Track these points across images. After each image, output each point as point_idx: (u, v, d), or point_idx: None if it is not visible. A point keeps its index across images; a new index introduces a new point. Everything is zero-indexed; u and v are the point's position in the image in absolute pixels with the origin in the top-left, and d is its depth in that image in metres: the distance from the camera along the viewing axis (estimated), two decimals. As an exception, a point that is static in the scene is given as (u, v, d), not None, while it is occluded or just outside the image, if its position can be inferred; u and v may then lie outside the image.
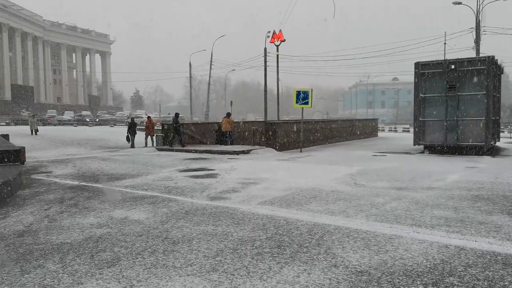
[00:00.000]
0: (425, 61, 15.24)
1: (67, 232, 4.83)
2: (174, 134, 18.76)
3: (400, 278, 3.30)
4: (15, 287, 3.25)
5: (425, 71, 15.05)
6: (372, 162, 12.52)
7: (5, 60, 71.30)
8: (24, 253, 4.07)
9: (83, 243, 4.37)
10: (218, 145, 19.10)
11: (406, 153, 15.56)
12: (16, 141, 16.67)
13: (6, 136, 17.62)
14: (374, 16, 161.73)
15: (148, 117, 23.49)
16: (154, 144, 21.80)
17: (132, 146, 20.69)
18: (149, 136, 22.03)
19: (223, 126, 18.92)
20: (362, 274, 3.39)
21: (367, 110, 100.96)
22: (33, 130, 27.91)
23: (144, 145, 21.29)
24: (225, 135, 18.95)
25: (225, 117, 19.27)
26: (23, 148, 11.62)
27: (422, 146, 15.64)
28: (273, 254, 3.93)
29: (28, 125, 29.93)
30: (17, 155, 9.66)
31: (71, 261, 3.83)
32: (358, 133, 27.01)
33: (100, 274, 3.49)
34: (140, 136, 22.25)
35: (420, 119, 15.19)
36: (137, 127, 22.84)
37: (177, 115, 19.57)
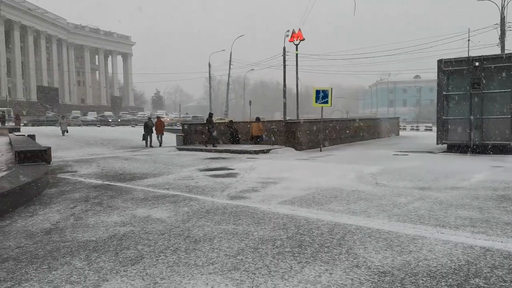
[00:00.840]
0: (448, 58, 14.94)
1: (92, 230, 4.94)
2: (209, 133, 18.67)
3: (424, 279, 3.26)
4: (43, 283, 3.34)
5: (448, 69, 14.75)
6: (393, 161, 12.36)
7: (31, 62, 73.28)
8: (51, 250, 4.18)
9: (107, 241, 4.46)
10: (232, 144, 19.10)
11: (429, 152, 15.29)
12: (42, 142, 17.11)
13: (32, 137, 18.12)
14: (395, 13, 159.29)
15: (158, 117, 23.92)
16: (161, 144, 22.01)
17: (148, 145, 21.04)
18: (159, 136, 22.32)
19: (254, 130, 18.80)
20: (385, 275, 3.35)
21: (388, 109, 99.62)
22: (63, 131, 28.64)
23: (159, 145, 21.60)
24: (257, 138, 18.82)
25: (255, 122, 19.17)
26: (49, 148, 11.91)
27: (445, 145, 15.35)
28: (294, 253, 3.93)
29: (52, 126, 30.71)
30: (44, 155, 9.91)
31: (96, 258, 3.91)
32: (379, 132, 26.68)
33: (124, 271, 3.56)
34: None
35: (443, 117, 14.90)
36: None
37: (211, 115, 19.53)
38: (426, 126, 45.40)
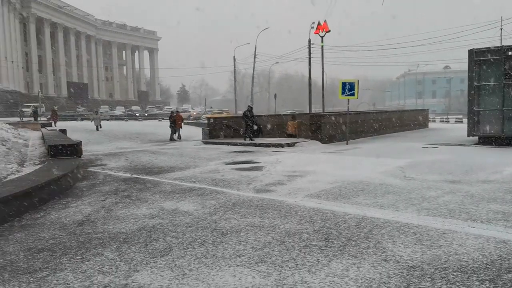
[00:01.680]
0: (480, 48, 14.46)
1: (122, 222, 5.07)
2: (248, 126, 18.42)
3: (455, 274, 3.19)
4: (77, 273, 3.46)
5: (480, 59, 14.28)
6: (422, 154, 12.10)
7: (61, 59, 75.34)
8: (84, 242, 4.32)
9: (137, 233, 4.57)
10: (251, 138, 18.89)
11: (460, 144, 14.89)
12: (73, 136, 17.60)
13: (64, 131, 18.68)
14: (423, 2, 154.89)
15: (177, 112, 24.25)
16: (180, 137, 22.19)
17: (172, 138, 21.39)
18: (178, 129, 22.60)
19: (289, 128, 18.69)
20: (414, 269, 3.31)
21: (416, 101, 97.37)
22: (97, 126, 29.28)
23: (177, 137, 21.86)
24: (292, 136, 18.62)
25: (291, 120, 19.00)
26: (80, 142, 12.26)
27: (476, 138, 14.91)
28: (321, 247, 3.92)
29: (81, 121, 31.47)
30: (75, 149, 10.20)
31: (127, 249, 4.02)
32: (407, 124, 26.15)
33: (154, 262, 3.65)
34: (185, 130, 22.79)
35: (475, 109, 14.46)
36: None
37: (250, 108, 19.17)
38: (456, 118, 44.16)
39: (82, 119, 48.72)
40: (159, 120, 49.88)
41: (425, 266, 3.36)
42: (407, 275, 3.20)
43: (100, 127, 29.50)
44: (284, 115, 23.05)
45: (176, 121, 22.34)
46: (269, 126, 20.37)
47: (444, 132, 23.99)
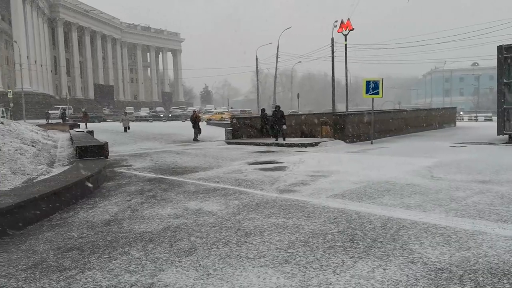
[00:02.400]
0: (509, 44, 14.01)
1: (148, 222, 5.15)
2: (278, 127, 18.03)
3: (484, 276, 3.10)
4: (105, 271, 3.53)
5: (509, 55, 13.84)
6: (450, 153, 11.81)
7: (88, 61, 77.25)
8: (111, 241, 4.41)
9: (162, 233, 4.63)
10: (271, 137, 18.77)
11: (489, 143, 14.46)
12: (100, 137, 18.00)
13: (91, 132, 19.14)
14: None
15: (194, 111, 24.58)
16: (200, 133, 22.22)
17: (195, 139, 21.51)
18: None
19: (324, 131, 18.41)
20: (442, 271, 3.23)
21: (444, 99, 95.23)
22: (125, 127, 29.15)
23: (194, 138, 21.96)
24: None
25: (324, 125, 18.66)
26: (107, 143, 12.52)
27: (506, 136, 14.45)
28: (346, 248, 3.88)
29: (107, 122, 31.96)
30: (102, 149, 10.42)
31: (152, 249, 4.08)
32: (434, 123, 25.58)
33: (179, 262, 3.69)
34: (209, 130, 22.88)
35: (504, 106, 14.03)
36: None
37: (278, 107, 18.76)
38: (485, 116, 42.89)
39: (107, 120, 49.63)
40: (183, 121, 50.44)
41: (453, 268, 3.28)
42: (435, 277, 3.13)
43: (129, 128, 29.72)
44: (314, 114, 22.70)
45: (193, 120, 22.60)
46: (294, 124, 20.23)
47: (472, 130, 23.35)
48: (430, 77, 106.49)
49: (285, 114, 18.58)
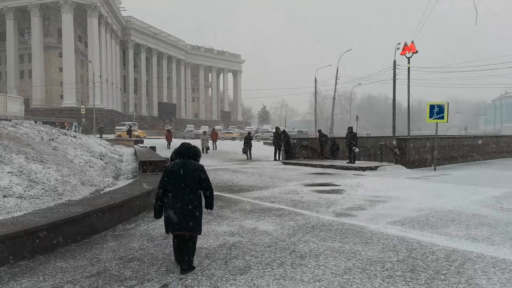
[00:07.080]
0: None
1: (204, 238, 5.25)
2: (351, 149, 17.27)
3: None
4: (162, 284, 3.64)
5: None
6: (523, 184, 10.94)
7: (154, 80, 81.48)
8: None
9: (218, 249, 4.70)
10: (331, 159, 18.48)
11: None
12: (162, 153, 18.74)
13: (153, 148, 20.01)
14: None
15: (213, 129, 24.86)
16: (216, 148, 22.08)
17: (248, 158, 21.75)
18: (214, 143, 23.86)
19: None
20: (514, 312, 2.98)
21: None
22: (205, 148, 24.96)
23: (214, 149, 21.83)
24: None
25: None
26: (168, 158, 13.01)
27: None
28: (406, 278, 3.71)
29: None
30: (163, 165, 10.85)
31: (208, 265, 4.15)
32: (505, 151, 23.90)
33: (234, 280, 3.72)
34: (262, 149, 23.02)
35: None
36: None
37: (351, 129, 18.12)
38: None
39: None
40: (241, 140, 51.20)
41: (527, 310, 3.02)
42: (506, 318, 2.89)
43: (208, 149, 25.85)
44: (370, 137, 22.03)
45: (212, 136, 22.93)
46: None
47: (549, 160, 21.52)
48: (500, 102, 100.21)
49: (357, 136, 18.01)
